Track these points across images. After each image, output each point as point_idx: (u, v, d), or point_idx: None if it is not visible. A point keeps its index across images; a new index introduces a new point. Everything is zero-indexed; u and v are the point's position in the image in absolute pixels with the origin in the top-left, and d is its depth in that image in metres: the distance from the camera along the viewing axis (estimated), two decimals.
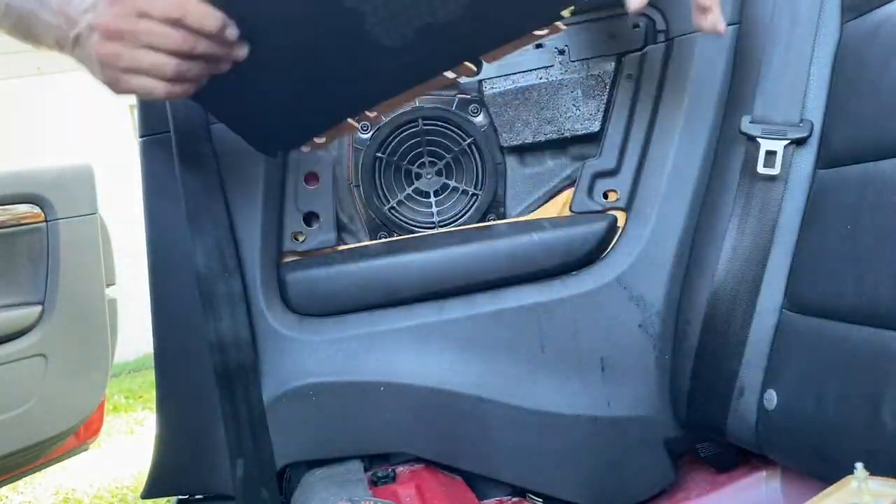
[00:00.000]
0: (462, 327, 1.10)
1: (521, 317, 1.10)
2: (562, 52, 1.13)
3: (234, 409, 1.08)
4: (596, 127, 1.15)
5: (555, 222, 1.11)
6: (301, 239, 1.14)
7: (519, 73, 1.13)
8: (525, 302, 1.10)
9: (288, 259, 1.14)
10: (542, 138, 1.15)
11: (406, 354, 1.10)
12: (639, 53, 1.10)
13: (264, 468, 1.10)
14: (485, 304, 1.11)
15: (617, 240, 1.11)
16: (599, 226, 1.11)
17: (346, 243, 1.18)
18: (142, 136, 1.08)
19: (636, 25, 1.11)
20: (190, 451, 1.13)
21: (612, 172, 1.13)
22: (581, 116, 1.14)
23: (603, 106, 1.14)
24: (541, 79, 1.14)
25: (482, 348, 1.10)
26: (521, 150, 1.22)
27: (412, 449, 1.11)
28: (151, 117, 1.06)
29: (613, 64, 1.13)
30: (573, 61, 1.13)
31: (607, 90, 1.14)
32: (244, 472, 1.09)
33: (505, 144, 1.16)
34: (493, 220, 1.19)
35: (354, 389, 1.10)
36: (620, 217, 1.12)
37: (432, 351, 1.10)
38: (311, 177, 1.14)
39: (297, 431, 1.10)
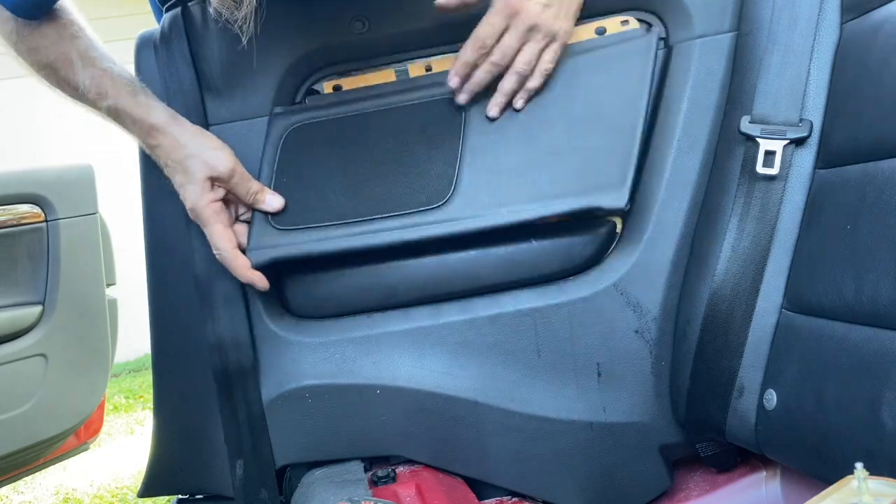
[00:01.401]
0: (458, 331, 1.10)
1: (517, 321, 1.10)
2: None
3: (234, 410, 1.08)
4: None
5: (557, 228, 1.11)
6: None
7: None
8: (522, 307, 1.10)
9: None
10: None
11: (402, 358, 1.10)
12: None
13: (264, 469, 1.10)
14: (482, 308, 1.10)
15: (614, 245, 1.11)
16: (599, 231, 1.10)
17: None
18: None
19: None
20: (187, 451, 1.13)
21: None
22: None
23: None
24: None
25: (478, 352, 1.10)
26: None
27: (408, 452, 1.11)
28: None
29: None
30: None
31: None
32: (244, 473, 1.09)
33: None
34: None
35: (350, 392, 1.09)
36: (618, 223, 1.12)
37: (428, 355, 1.10)
38: None
39: (294, 433, 1.10)
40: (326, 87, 1.09)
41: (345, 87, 1.10)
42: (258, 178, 1.07)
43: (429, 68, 1.08)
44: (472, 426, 1.10)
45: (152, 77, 1.05)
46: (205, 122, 1.05)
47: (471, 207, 1.05)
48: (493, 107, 1.04)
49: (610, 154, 1.05)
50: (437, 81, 1.07)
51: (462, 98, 1.04)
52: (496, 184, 1.05)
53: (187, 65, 1.03)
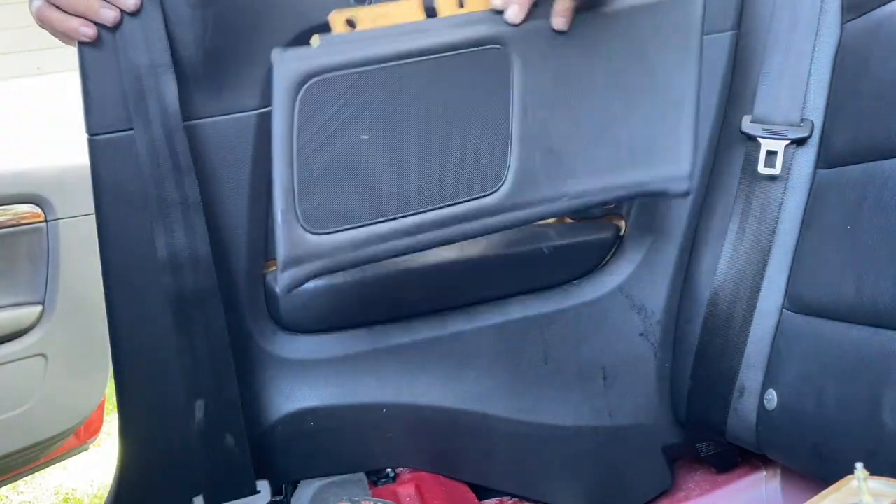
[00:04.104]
0: (465, 341, 1.06)
1: (524, 328, 1.07)
2: None
3: (191, 341, 0.93)
4: None
5: (561, 232, 1.09)
6: None
7: None
8: (528, 313, 1.08)
9: (274, 269, 1.03)
10: None
11: (408, 373, 1.05)
12: None
13: (227, 410, 0.95)
14: (488, 316, 1.07)
15: (618, 247, 1.10)
16: (604, 234, 1.09)
17: None
18: (94, 135, 0.91)
19: None
20: (157, 479, 1.02)
21: None
22: None
23: None
24: None
25: (486, 362, 1.07)
26: None
27: (414, 464, 1.09)
28: (107, 113, 0.90)
29: None
30: None
31: None
32: (204, 416, 0.94)
33: None
34: None
35: (354, 412, 1.04)
36: (620, 223, 1.11)
37: (435, 368, 1.06)
38: None
39: (294, 456, 1.04)
40: (336, 21, 0.84)
41: (359, 25, 0.85)
42: (257, 163, 0.94)
43: (461, 4, 0.87)
44: (479, 437, 1.08)
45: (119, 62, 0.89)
46: (180, 119, 0.89)
47: (528, 192, 0.89)
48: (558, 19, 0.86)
49: (667, 129, 0.92)
50: (473, 20, 0.85)
51: (511, 15, 0.84)
52: (551, 163, 0.89)
53: (164, 49, 0.88)
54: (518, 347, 1.08)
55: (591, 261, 1.10)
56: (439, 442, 1.08)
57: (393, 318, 1.06)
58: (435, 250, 1.05)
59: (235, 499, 0.97)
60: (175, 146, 0.90)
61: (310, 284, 0.99)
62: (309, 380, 1.03)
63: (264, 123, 0.94)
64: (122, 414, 1.01)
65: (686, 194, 0.95)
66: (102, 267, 0.95)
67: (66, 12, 0.87)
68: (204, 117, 0.93)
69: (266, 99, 0.94)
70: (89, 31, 0.88)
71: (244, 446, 0.96)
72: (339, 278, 1.03)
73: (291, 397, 1.03)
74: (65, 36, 0.89)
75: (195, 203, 0.91)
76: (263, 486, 0.98)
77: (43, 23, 0.89)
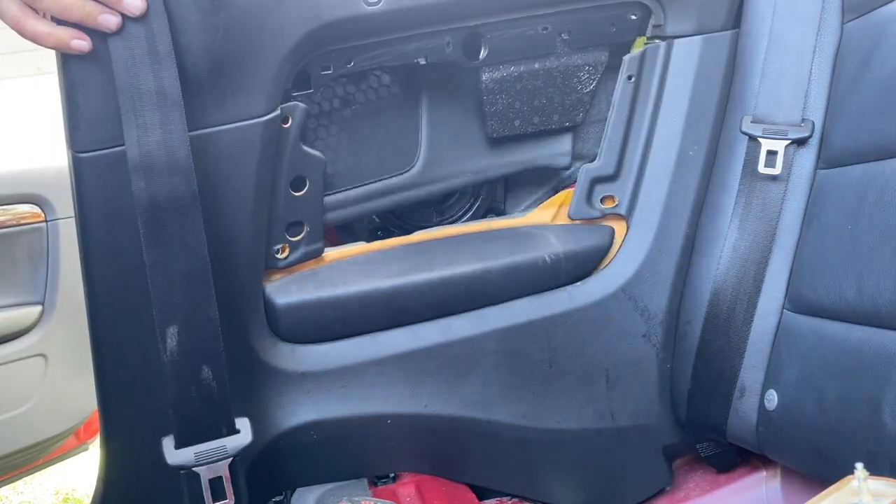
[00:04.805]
0: (470, 347, 1.05)
1: (529, 332, 1.06)
2: (564, 39, 1.07)
3: (165, 256, 0.83)
4: (581, 119, 1.13)
5: (563, 237, 1.08)
6: (283, 255, 1.00)
7: (518, 58, 1.07)
8: (533, 317, 1.06)
9: (274, 279, 1.00)
10: (531, 129, 1.11)
11: (412, 380, 1.03)
12: (639, 54, 1.08)
13: (204, 337, 0.85)
14: (493, 320, 1.06)
15: (620, 247, 1.10)
16: (606, 235, 1.09)
17: (344, 243, 1.17)
18: (79, 152, 0.86)
19: (633, 15, 1.08)
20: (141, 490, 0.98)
21: (611, 177, 1.10)
22: (572, 107, 1.12)
23: (593, 98, 1.12)
24: (538, 65, 1.08)
25: (490, 367, 1.06)
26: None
27: (417, 469, 1.08)
28: (95, 128, 0.84)
29: (608, 54, 1.10)
30: (574, 49, 1.08)
31: (602, 82, 1.11)
32: (178, 344, 0.83)
33: (493, 135, 1.11)
34: (493, 219, 1.19)
35: (359, 424, 1.02)
36: (621, 224, 1.10)
37: (439, 374, 1.04)
38: (298, 182, 0.99)
39: (298, 466, 1.02)
40: None
41: None
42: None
43: None
44: (483, 443, 1.07)
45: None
46: (184, 128, 0.83)
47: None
48: None
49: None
50: None
51: None
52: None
53: (170, 57, 0.81)
54: (523, 352, 1.07)
55: (593, 262, 1.09)
56: (443, 448, 1.07)
57: (395, 325, 1.04)
58: (438, 261, 1.06)
59: (211, 439, 0.88)
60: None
61: (312, 295, 0.99)
62: (312, 392, 1.00)
63: (269, 130, 0.92)
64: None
65: (567, 168, 1.15)
66: (87, 289, 0.90)
67: (52, 20, 0.77)
68: (207, 127, 0.89)
69: (271, 104, 0.91)
70: (84, 46, 0.79)
71: (222, 379, 0.87)
72: (341, 288, 1.00)
73: (294, 411, 1.00)
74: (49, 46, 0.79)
75: (174, 96, 0.81)
76: (244, 424, 0.89)
77: (23, 35, 0.78)
